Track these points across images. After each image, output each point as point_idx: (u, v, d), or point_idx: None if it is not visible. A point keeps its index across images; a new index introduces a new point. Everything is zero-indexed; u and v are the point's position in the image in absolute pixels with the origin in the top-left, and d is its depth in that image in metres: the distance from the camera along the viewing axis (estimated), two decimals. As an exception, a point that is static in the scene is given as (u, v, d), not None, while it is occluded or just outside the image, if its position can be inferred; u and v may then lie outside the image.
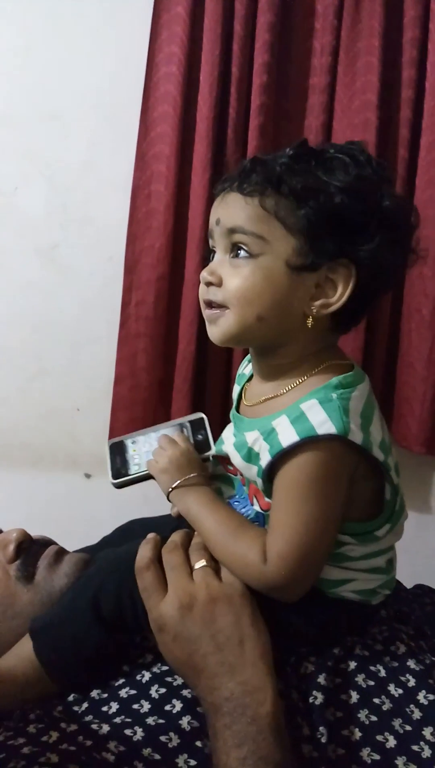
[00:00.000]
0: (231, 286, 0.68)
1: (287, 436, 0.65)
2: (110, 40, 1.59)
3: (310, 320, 0.68)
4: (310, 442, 0.64)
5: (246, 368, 0.84)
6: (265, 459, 0.67)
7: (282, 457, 0.65)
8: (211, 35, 1.44)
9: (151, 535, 0.75)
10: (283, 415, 0.66)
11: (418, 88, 1.47)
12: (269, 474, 0.68)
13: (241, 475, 0.77)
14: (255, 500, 0.75)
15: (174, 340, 1.57)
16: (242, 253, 0.68)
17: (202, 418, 0.88)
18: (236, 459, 0.74)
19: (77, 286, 1.68)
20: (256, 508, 0.75)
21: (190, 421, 0.88)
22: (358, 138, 1.43)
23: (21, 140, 1.61)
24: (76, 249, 1.66)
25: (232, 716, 0.60)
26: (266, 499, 0.71)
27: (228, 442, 0.77)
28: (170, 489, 0.77)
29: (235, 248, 0.68)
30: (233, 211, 0.68)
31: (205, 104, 1.46)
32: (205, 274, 0.71)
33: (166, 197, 1.50)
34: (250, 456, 0.71)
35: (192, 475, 0.77)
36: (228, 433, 0.79)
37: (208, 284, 0.71)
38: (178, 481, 0.77)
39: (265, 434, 0.68)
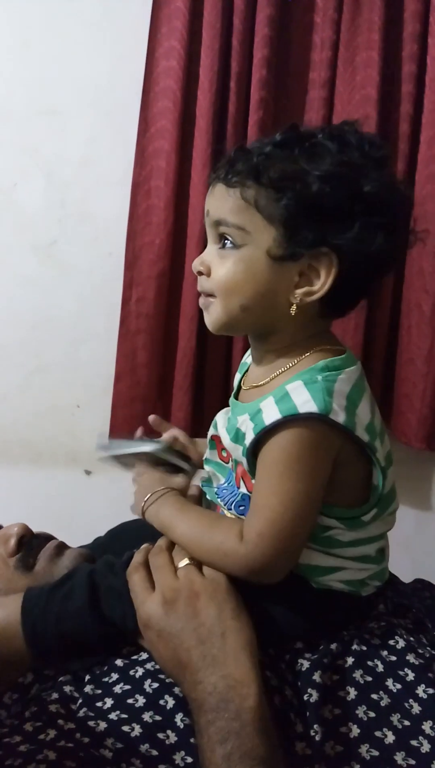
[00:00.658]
0: (216, 276, 0.70)
1: (270, 414, 0.65)
2: (109, 34, 1.58)
3: (293, 308, 0.69)
4: (291, 420, 0.64)
5: (248, 357, 0.84)
6: (249, 438, 0.68)
7: (265, 435, 0.66)
8: (211, 30, 1.44)
9: (144, 546, 0.76)
10: (270, 396, 0.67)
11: (419, 82, 1.46)
12: (253, 452, 0.69)
13: (231, 460, 0.78)
14: (242, 483, 0.75)
15: (174, 337, 1.56)
16: (228, 243, 0.69)
17: (168, 445, 0.89)
18: (226, 440, 0.75)
19: (76, 283, 1.67)
20: (243, 490, 0.75)
21: (160, 449, 0.89)
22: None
23: (19, 136, 1.61)
24: (75, 245, 1.66)
25: (215, 712, 0.60)
26: (253, 481, 0.72)
27: (220, 423, 0.78)
28: (142, 510, 0.78)
29: (221, 239, 0.70)
30: (218, 202, 0.69)
31: (204, 99, 1.45)
32: (195, 264, 0.72)
33: (167, 193, 1.49)
34: (238, 436, 0.72)
35: (155, 491, 0.78)
36: (222, 417, 0.80)
37: (199, 273, 0.72)
38: (145, 500, 0.78)
39: (251, 415, 0.69)
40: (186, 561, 0.71)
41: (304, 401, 0.64)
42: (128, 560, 0.74)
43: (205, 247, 0.73)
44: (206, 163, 1.45)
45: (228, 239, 0.69)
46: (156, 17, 1.48)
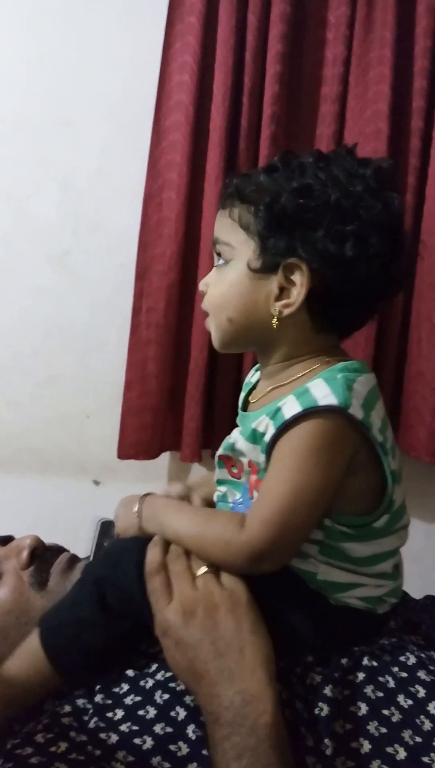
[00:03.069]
0: (209, 293, 0.75)
1: (291, 409, 0.67)
2: (124, 48, 1.60)
3: (274, 321, 0.71)
4: (311, 412, 0.65)
5: (253, 377, 0.85)
6: (269, 434, 0.69)
7: (285, 428, 0.67)
8: (224, 45, 1.46)
9: (156, 538, 0.75)
10: (290, 395, 0.68)
11: (430, 98, 1.48)
12: (271, 447, 0.69)
13: (244, 473, 0.78)
14: (255, 493, 0.76)
15: (185, 348, 1.57)
16: (220, 261, 0.74)
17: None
18: (241, 443, 0.75)
19: (88, 292, 1.68)
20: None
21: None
22: (369, 147, 1.45)
23: (34, 147, 1.63)
24: (88, 255, 1.67)
25: (231, 727, 0.60)
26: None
27: (234, 435, 0.78)
28: (137, 520, 0.77)
29: (218, 257, 0.75)
30: (217, 224, 0.75)
31: (217, 113, 1.47)
32: (201, 285, 0.77)
33: (178, 205, 1.51)
34: (256, 437, 0.73)
35: (140, 499, 0.78)
36: (234, 433, 0.80)
37: (203, 293, 0.77)
38: (135, 511, 0.77)
39: (271, 414, 0.70)
40: (204, 569, 0.70)
41: (325, 395, 0.65)
42: (140, 562, 0.73)
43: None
44: (218, 176, 1.47)
45: (221, 256, 0.74)
46: (170, 32, 1.50)
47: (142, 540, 0.75)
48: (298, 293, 0.69)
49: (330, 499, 0.68)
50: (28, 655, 0.71)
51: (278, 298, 0.70)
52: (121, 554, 0.75)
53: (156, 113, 1.52)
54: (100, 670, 0.73)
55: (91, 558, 0.85)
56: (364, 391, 0.68)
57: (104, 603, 0.71)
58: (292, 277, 0.69)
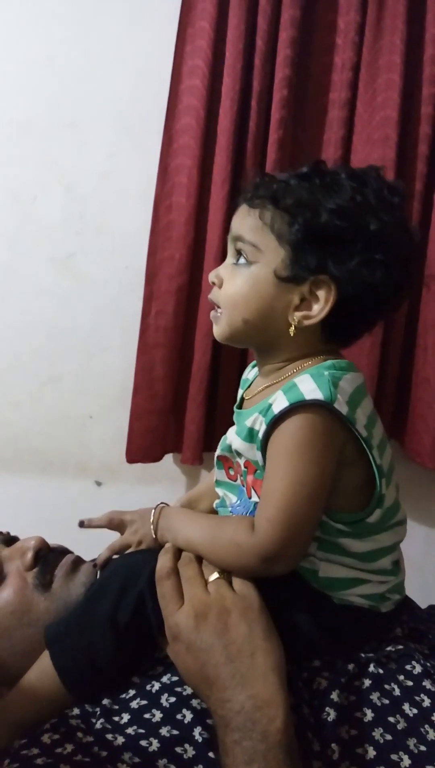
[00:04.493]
0: (226, 289, 0.75)
1: (279, 404, 0.68)
2: (133, 52, 1.60)
3: (291, 329, 0.72)
4: (298, 407, 0.67)
5: (249, 373, 0.88)
6: (262, 431, 0.71)
7: (274, 424, 0.68)
8: (234, 50, 1.46)
9: (168, 545, 0.76)
10: (279, 391, 0.70)
11: (439, 104, 1.48)
12: (265, 444, 0.71)
13: (240, 476, 0.79)
14: (253, 492, 0.76)
15: (189, 350, 1.57)
16: (242, 259, 0.74)
17: None
18: (238, 443, 0.77)
19: (92, 295, 1.68)
20: (255, 499, 0.76)
21: None
22: (377, 154, 1.45)
23: (41, 149, 1.63)
24: (92, 258, 1.67)
25: (242, 731, 0.60)
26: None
27: (230, 434, 0.80)
28: (152, 531, 0.80)
29: (238, 254, 0.75)
30: (240, 220, 0.75)
31: (225, 117, 1.47)
32: (211, 275, 0.78)
33: (188, 209, 1.51)
34: (251, 435, 0.74)
35: (152, 511, 0.81)
36: (230, 431, 0.81)
37: (213, 284, 0.77)
38: (151, 521, 0.80)
39: (262, 411, 0.72)
40: (216, 575, 0.71)
41: (311, 390, 0.67)
42: (150, 564, 0.73)
43: (223, 262, 0.77)
44: (226, 179, 1.47)
45: (243, 255, 0.74)
46: (181, 36, 1.50)
47: (153, 552, 0.76)
48: (320, 308, 0.71)
49: (327, 491, 0.69)
50: (41, 675, 0.72)
51: (298, 308, 0.72)
52: (133, 567, 0.75)
53: (166, 117, 1.52)
54: (112, 685, 0.73)
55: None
56: (350, 388, 0.70)
57: (115, 621, 0.71)
58: (316, 291, 0.70)
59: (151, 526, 0.79)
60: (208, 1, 1.46)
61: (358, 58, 1.48)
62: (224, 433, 0.88)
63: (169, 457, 1.72)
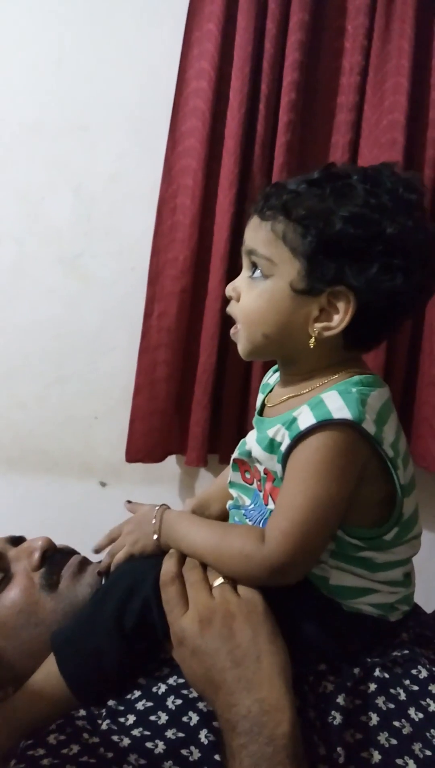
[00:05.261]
0: (243, 303, 0.74)
1: (306, 420, 0.67)
2: (141, 54, 1.61)
3: (312, 341, 0.71)
4: (325, 425, 0.66)
5: (271, 378, 0.86)
6: (285, 444, 0.70)
7: (299, 439, 0.68)
8: (242, 53, 1.46)
9: (172, 551, 0.76)
10: (304, 405, 0.69)
11: (446, 109, 1.48)
12: (287, 457, 0.70)
13: (257, 480, 0.78)
14: (270, 500, 0.76)
15: (194, 352, 1.57)
16: (257, 273, 0.72)
17: None
18: (257, 451, 0.76)
19: (99, 296, 1.69)
20: (271, 506, 0.76)
21: None
22: (384, 157, 1.45)
23: (50, 150, 1.63)
24: (99, 259, 1.68)
25: (248, 735, 0.60)
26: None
27: (250, 440, 0.79)
28: (154, 534, 0.77)
29: (253, 267, 0.73)
30: (253, 233, 0.73)
31: (233, 120, 1.47)
32: (228, 289, 0.76)
33: (192, 211, 1.51)
34: (272, 446, 0.73)
35: (153, 515, 0.78)
36: (250, 436, 0.80)
37: (230, 298, 0.76)
38: (152, 523, 0.77)
39: (286, 424, 0.71)
40: (221, 579, 0.71)
41: (339, 408, 0.66)
42: (155, 570, 0.73)
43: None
44: (232, 182, 1.47)
45: (258, 268, 0.72)
46: (188, 39, 1.51)
47: (157, 557, 0.75)
48: (340, 319, 0.69)
49: (344, 510, 0.69)
50: (48, 678, 0.72)
51: (317, 320, 0.70)
52: (137, 572, 0.75)
53: (172, 119, 1.52)
54: (118, 689, 0.74)
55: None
56: (378, 405, 0.69)
57: (121, 626, 0.71)
58: (335, 302, 0.69)
59: (154, 522, 0.77)
60: (215, 4, 1.47)
61: (366, 62, 1.49)
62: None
63: (173, 459, 1.72)
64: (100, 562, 0.88)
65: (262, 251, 0.71)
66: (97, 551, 0.84)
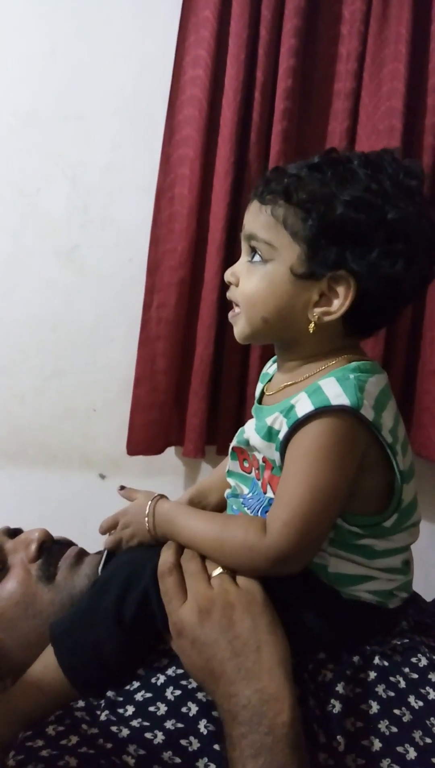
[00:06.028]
0: (242, 287, 0.74)
1: (304, 407, 0.67)
2: (137, 43, 1.59)
3: (311, 326, 0.71)
4: (323, 411, 0.66)
5: (270, 368, 0.86)
6: (283, 432, 0.69)
7: (297, 427, 0.67)
8: (238, 40, 1.45)
9: (170, 542, 0.75)
10: (302, 392, 0.69)
11: (444, 95, 1.46)
12: (286, 446, 0.69)
13: (255, 468, 0.78)
14: (269, 488, 0.76)
15: (192, 344, 1.57)
16: (256, 257, 0.72)
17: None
18: (256, 440, 0.75)
19: (96, 287, 1.68)
20: (270, 495, 0.75)
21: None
22: (382, 144, 1.44)
23: (45, 141, 1.62)
24: (96, 250, 1.67)
25: (248, 725, 0.60)
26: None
27: (249, 429, 0.78)
28: (147, 524, 0.76)
29: (252, 252, 0.73)
30: (252, 217, 0.73)
31: (229, 108, 1.46)
32: (227, 274, 0.76)
33: (190, 200, 1.50)
34: (271, 434, 0.73)
35: (148, 505, 0.76)
36: (249, 425, 0.80)
37: (229, 283, 0.76)
38: (146, 517, 0.76)
39: (284, 412, 0.71)
40: (219, 569, 0.71)
41: (337, 394, 0.66)
42: (153, 560, 0.73)
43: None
44: (229, 171, 1.46)
45: (257, 253, 0.72)
46: (184, 26, 1.49)
47: (155, 548, 0.75)
48: (340, 304, 0.69)
49: (345, 497, 0.68)
50: (46, 669, 0.72)
51: (317, 304, 0.70)
52: (136, 563, 0.75)
53: (169, 108, 1.51)
54: (117, 680, 0.73)
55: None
56: (376, 391, 0.69)
57: (120, 617, 0.71)
58: (335, 287, 0.69)
59: (146, 519, 0.76)
60: (210, -9, 1.45)
61: (363, 48, 1.47)
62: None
63: (172, 450, 1.72)
64: (97, 553, 0.88)
65: (262, 235, 0.71)
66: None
